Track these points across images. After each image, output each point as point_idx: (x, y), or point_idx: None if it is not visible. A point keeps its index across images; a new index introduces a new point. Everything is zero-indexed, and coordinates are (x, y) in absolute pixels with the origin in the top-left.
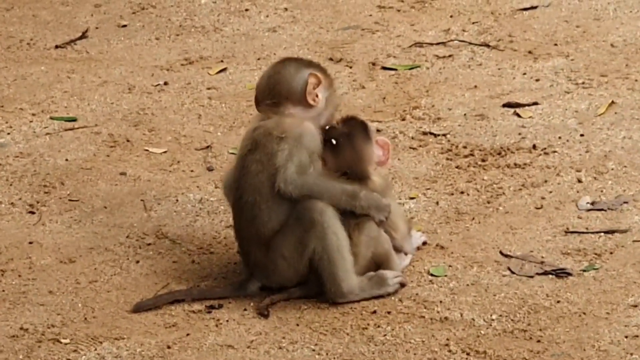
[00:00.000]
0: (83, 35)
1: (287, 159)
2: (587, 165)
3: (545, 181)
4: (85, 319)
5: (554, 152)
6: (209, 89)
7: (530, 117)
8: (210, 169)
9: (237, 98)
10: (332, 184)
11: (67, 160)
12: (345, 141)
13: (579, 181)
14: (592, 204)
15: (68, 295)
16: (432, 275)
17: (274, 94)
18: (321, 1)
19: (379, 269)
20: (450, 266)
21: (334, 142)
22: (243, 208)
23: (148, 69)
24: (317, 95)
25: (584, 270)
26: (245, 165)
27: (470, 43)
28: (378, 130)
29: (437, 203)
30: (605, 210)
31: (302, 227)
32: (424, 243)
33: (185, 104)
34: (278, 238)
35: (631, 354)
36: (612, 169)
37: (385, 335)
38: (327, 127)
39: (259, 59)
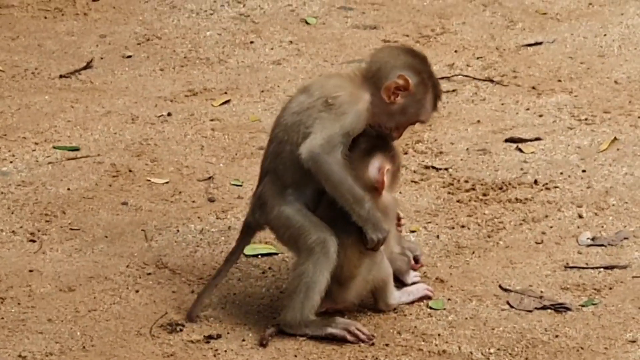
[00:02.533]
0: (88, 65)
1: (321, 129)
2: (588, 201)
3: (546, 216)
4: (84, 347)
5: (556, 187)
6: (212, 120)
7: (532, 152)
8: (211, 200)
9: (240, 130)
10: (347, 178)
11: (69, 189)
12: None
13: (580, 217)
14: (593, 239)
15: (67, 323)
16: (431, 308)
17: (371, 64)
18: (326, 35)
19: (375, 295)
20: (449, 299)
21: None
22: (272, 141)
23: (152, 100)
24: (396, 96)
25: (583, 306)
26: (291, 101)
27: (474, 78)
28: None
29: (438, 236)
30: (605, 246)
31: (302, 239)
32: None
33: (188, 135)
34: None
35: None
36: (613, 205)
37: None
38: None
39: (262, 92)
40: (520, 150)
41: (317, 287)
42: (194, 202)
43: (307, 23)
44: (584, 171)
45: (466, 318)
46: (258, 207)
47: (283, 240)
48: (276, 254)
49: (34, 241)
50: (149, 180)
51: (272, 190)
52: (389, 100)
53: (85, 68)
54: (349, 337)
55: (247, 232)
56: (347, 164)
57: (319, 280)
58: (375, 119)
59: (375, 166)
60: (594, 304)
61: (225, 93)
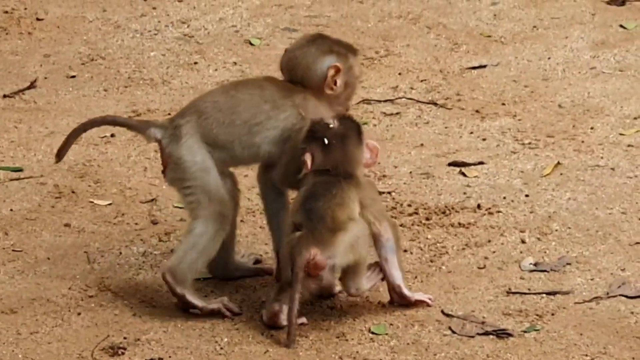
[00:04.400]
0: (31, 85)
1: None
2: (531, 226)
3: (489, 241)
4: None
5: (499, 212)
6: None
7: (475, 176)
8: (154, 223)
9: None
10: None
11: (11, 210)
12: (337, 142)
13: (523, 242)
14: (535, 264)
15: (9, 346)
16: (373, 333)
17: (292, 74)
18: (270, 56)
19: (347, 277)
20: (391, 324)
21: (326, 141)
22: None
23: None
24: (335, 83)
25: (525, 331)
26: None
27: (417, 101)
28: None
29: None
30: (548, 272)
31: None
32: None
33: (132, 156)
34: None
35: None
36: (556, 230)
37: None
38: (322, 124)
39: None
40: (464, 174)
41: (208, 252)
42: (136, 224)
43: (251, 44)
44: (527, 196)
45: (408, 343)
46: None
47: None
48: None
49: None
50: (92, 202)
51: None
52: (332, 91)
53: (29, 88)
54: (225, 312)
55: None
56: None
57: (212, 247)
58: (332, 109)
59: (366, 145)
60: (536, 330)
61: (169, 114)
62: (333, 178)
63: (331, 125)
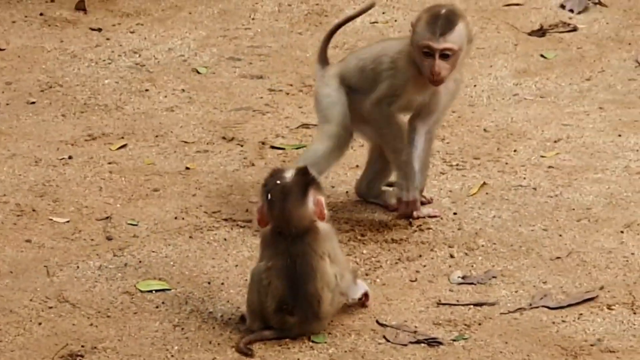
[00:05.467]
0: None
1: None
2: (459, 242)
3: (420, 256)
4: None
5: (429, 229)
6: (110, 163)
7: None
8: (109, 239)
9: (135, 172)
10: (398, 130)
11: None
12: (278, 198)
13: (452, 256)
14: (463, 278)
15: None
16: (313, 342)
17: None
18: (216, 84)
19: None
20: (330, 333)
21: (269, 197)
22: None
23: (54, 144)
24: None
25: (454, 340)
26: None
27: None
28: None
29: None
30: (475, 284)
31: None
32: (366, 294)
33: (88, 177)
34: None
35: None
36: (482, 246)
37: None
38: (271, 179)
39: (157, 136)
40: None
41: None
42: (92, 240)
43: (198, 72)
44: (455, 214)
45: (346, 351)
46: None
47: None
48: (169, 289)
49: None
50: (51, 220)
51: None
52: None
53: None
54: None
55: None
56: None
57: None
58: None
59: (312, 201)
60: (464, 339)
61: (122, 138)
62: (305, 247)
63: (278, 182)
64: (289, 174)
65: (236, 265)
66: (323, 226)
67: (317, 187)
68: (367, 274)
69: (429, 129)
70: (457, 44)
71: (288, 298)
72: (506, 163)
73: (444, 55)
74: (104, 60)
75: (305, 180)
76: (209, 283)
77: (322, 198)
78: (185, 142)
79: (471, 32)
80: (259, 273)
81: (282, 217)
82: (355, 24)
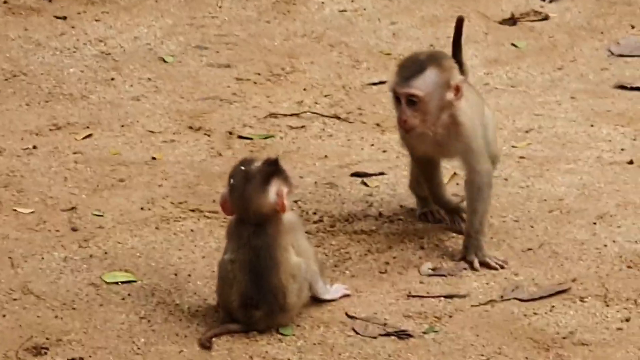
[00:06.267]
0: None
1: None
2: (430, 233)
3: (390, 247)
4: None
5: (399, 219)
6: (75, 153)
7: (377, 186)
8: (74, 230)
9: (101, 162)
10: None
11: None
12: (239, 185)
13: (422, 248)
14: (434, 269)
15: None
16: (281, 334)
17: None
18: (182, 72)
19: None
20: (298, 326)
21: (232, 181)
22: None
23: (18, 133)
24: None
25: (425, 333)
26: None
27: (321, 115)
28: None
29: None
30: (445, 276)
31: None
32: (346, 296)
33: (53, 167)
34: None
35: None
36: (453, 237)
37: None
38: (238, 166)
39: (122, 126)
40: (366, 184)
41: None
42: (57, 231)
43: (165, 61)
44: None
45: (314, 344)
46: None
47: None
48: (135, 281)
49: None
50: (16, 210)
51: None
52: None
53: None
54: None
55: None
56: None
57: None
58: None
59: (274, 191)
60: (434, 332)
61: (88, 127)
62: (268, 238)
63: (242, 168)
64: (257, 163)
65: (203, 257)
66: (287, 217)
67: (284, 178)
68: (336, 266)
69: (468, 179)
70: (423, 91)
71: (252, 292)
72: None
73: (411, 101)
74: (69, 49)
75: (271, 169)
76: (175, 275)
77: (285, 190)
78: (152, 131)
79: (450, 80)
80: (224, 265)
81: (242, 204)
82: (324, 13)
